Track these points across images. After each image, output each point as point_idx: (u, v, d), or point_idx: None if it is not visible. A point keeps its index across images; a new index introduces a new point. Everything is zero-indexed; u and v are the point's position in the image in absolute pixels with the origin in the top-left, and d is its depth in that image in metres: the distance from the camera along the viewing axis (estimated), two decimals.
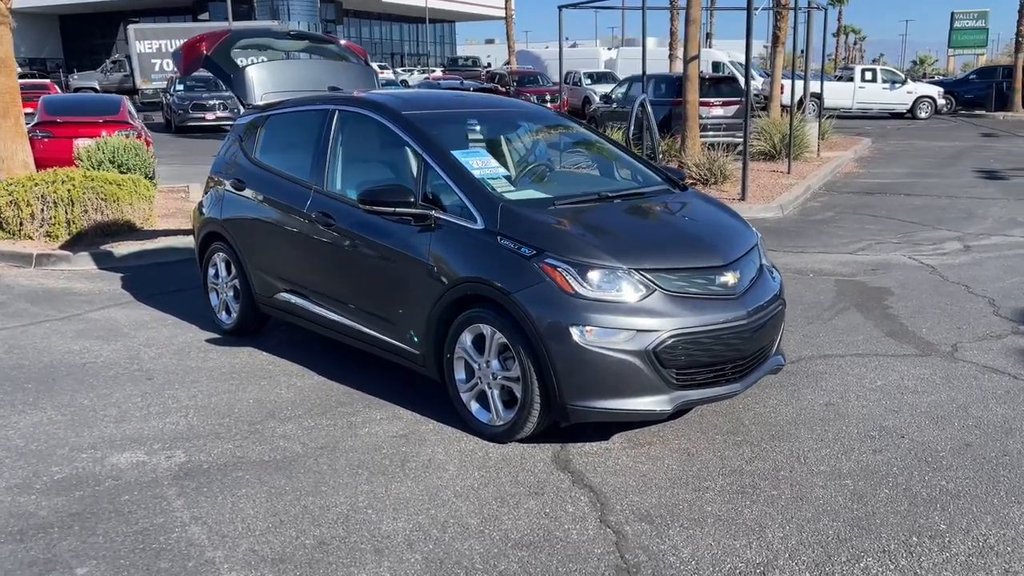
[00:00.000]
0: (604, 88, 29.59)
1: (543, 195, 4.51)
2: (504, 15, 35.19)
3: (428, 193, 4.49)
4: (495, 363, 4.12)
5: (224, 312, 6.06)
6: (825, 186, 13.59)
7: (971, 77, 33.61)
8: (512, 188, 4.51)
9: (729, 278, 4.13)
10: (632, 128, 12.50)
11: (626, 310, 3.84)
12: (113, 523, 3.47)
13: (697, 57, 13.84)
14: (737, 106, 17.73)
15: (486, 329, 4.11)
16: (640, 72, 28.63)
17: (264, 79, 6.10)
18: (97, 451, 4.15)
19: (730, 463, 3.93)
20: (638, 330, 3.81)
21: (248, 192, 5.65)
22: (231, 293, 5.95)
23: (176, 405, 4.73)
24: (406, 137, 4.71)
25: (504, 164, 4.96)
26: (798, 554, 3.16)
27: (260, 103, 6.05)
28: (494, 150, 5.03)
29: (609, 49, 39.75)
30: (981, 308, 6.46)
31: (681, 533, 3.31)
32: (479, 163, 4.54)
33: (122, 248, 8.54)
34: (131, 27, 36.43)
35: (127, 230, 9.19)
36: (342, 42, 7.08)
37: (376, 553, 3.22)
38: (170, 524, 3.45)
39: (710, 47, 45.29)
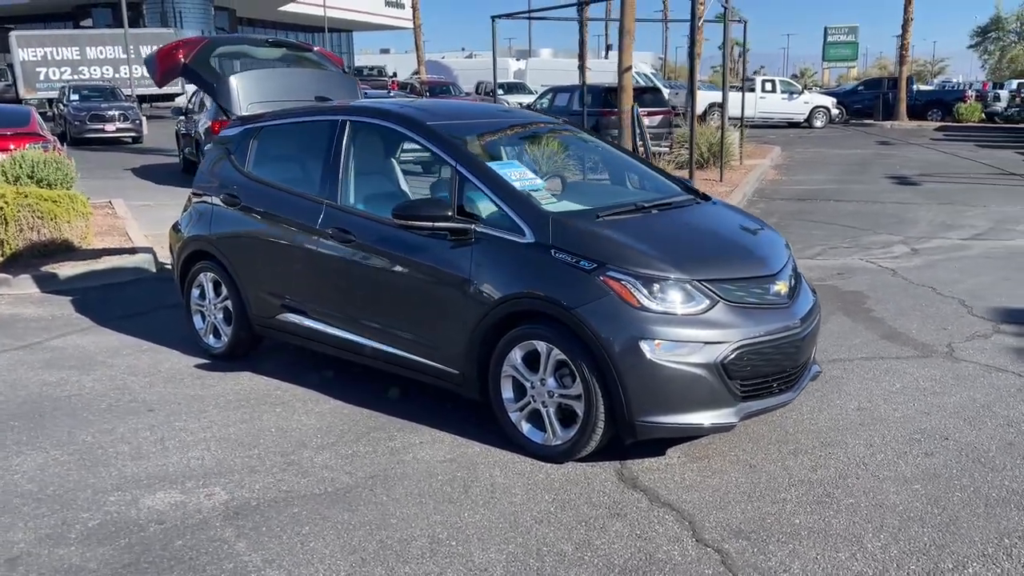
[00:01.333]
0: (518, 99, 29.81)
1: (583, 206, 4.42)
2: (412, 24, 34.86)
3: (462, 206, 4.34)
4: (551, 381, 4.00)
5: (212, 335, 5.71)
6: (757, 193, 13.98)
7: (859, 88, 35.37)
8: (553, 200, 4.39)
9: (781, 287, 4.14)
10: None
11: (693, 322, 3.79)
12: (177, 573, 3.17)
13: (631, 68, 14.01)
14: (662, 116, 18.11)
15: (541, 346, 3.99)
16: (550, 82, 28.78)
17: (249, 88, 5.80)
18: (124, 493, 3.81)
19: (795, 473, 3.92)
20: (705, 342, 3.77)
21: (243, 208, 5.34)
22: (220, 315, 5.62)
23: (192, 438, 4.41)
24: (436, 149, 4.55)
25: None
26: (905, 564, 3.16)
27: (245, 113, 5.75)
28: (519, 161, 4.90)
29: (517, 60, 40.00)
30: (955, 309, 6.71)
31: (782, 548, 3.27)
32: (517, 175, 4.41)
33: (66, 269, 7.97)
34: (13, 34, 34.49)
35: (65, 250, 8.61)
36: (315, 49, 6.81)
37: None
38: (242, 570, 3.19)
39: (606, 59, 46.22)
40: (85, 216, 9.09)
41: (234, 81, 5.76)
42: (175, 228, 6.01)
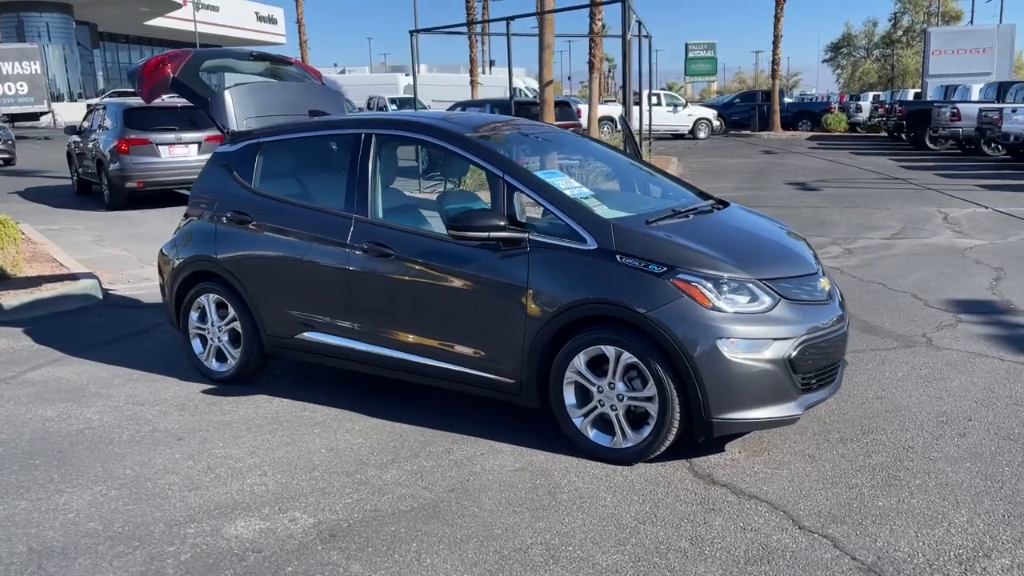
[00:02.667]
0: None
1: (630, 213, 4.52)
2: (285, 40, 34.23)
3: (512, 215, 4.37)
4: (621, 384, 4.08)
5: (215, 359, 5.50)
6: None
7: (736, 101, 37.12)
8: (603, 206, 4.48)
9: (824, 283, 4.37)
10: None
11: (762, 320, 3.96)
12: None
13: (552, 82, 14.28)
14: (572, 129, 18.48)
15: (609, 350, 4.07)
16: (441, 97, 28.95)
17: (244, 103, 5.63)
18: (200, 524, 3.64)
19: (852, 460, 4.14)
20: (774, 339, 3.94)
21: (254, 226, 5.18)
22: (226, 337, 5.42)
23: (241, 464, 4.25)
24: (480, 161, 4.56)
25: None
26: (995, 534, 3.41)
27: (241, 129, 5.57)
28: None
29: (406, 75, 39.82)
30: (912, 302, 7.20)
31: (881, 529, 3.46)
32: (564, 183, 4.48)
33: (8, 299, 7.46)
34: None
35: None
36: (293, 61, 6.66)
37: None
38: None
39: (490, 73, 46.69)
40: (16, 241, 8.56)
41: (229, 96, 5.58)
42: (165, 250, 5.75)
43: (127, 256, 10.17)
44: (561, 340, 4.19)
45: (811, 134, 33.44)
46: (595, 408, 4.17)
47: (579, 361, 4.15)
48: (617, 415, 4.11)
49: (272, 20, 70.64)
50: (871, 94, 40.62)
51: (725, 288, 3.96)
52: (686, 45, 42.37)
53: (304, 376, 5.61)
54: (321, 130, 5.27)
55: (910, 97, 33.76)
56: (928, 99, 29.64)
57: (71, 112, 39.82)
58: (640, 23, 14.94)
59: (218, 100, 5.56)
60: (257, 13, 69.14)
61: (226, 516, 3.71)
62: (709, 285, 3.94)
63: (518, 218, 4.41)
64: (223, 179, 5.43)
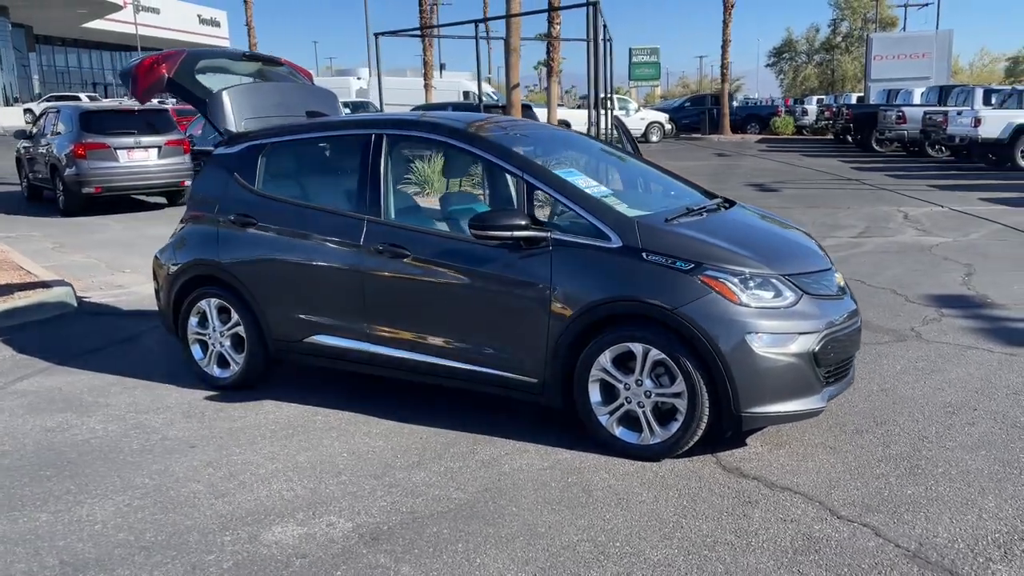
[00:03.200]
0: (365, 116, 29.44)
1: (647, 211, 4.55)
2: (230, 44, 33.70)
3: (531, 215, 4.38)
4: (648, 381, 4.11)
5: (217, 365, 5.39)
6: None
7: (686, 104, 37.65)
8: (623, 204, 4.50)
9: (838, 279, 4.47)
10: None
11: (786, 315, 4.03)
12: None
13: (518, 85, 14.32)
14: None
15: (636, 347, 4.09)
16: (394, 101, 29.12)
17: (242, 104, 5.54)
18: (236, 531, 3.57)
19: (872, 451, 4.23)
20: (799, 333, 4.01)
21: (259, 228, 5.09)
22: (228, 342, 5.32)
23: (263, 471, 4.17)
24: (498, 160, 4.56)
25: None
26: None
27: (240, 130, 5.48)
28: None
29: (359, 79, 39.55)
30: (893, 298, 7.39)
31: (916, 517, 3.54)
32: (583, 182, 4.51)
33: None
34: None
35: None
36: (283, 62, 6.57)
37: None
38: None
39: (441, 77, 46.58)
40: None
41: (227, 96, 5.48)
42: (161, 255, 5.63)
43: (94, 263, 9.91)
44: (586, 338, 4.20)
45: (760, 137, 34.09)
46: (621, 405, 4.19)
47: (605, 359, 4.17)
48: (644, 412, 4.14)
49: (215, 23, 69.50)
50: (815, 98, 41.55)
51: (751, 284, 4.02)
52: (630, 50, 42.77)
53: (308, 381, 5.54)
54: (328, 131, 5.21)
55: (853, 101, 34.61)
56: (871, 103, 30.42)
57: (7, 117, 38.66)
58: (606, 26, 15.06)
59: (216, 101, 5.45)
60: (200, 16, 68.01)
61: (260, 523, 3.64)
62: (736, 281, 4.00)
63: (540, 216, 4.41)
64: (223, 181, 5.33)
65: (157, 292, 5.75)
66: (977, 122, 19.46)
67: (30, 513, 3.78)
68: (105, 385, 5.55)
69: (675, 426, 4.09)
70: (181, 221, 5.62)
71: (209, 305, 5.34)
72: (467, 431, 4.58)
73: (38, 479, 4.14)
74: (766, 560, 3.24)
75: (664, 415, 4.14)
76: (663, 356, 4.04)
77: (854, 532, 3.43)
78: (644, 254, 4.10)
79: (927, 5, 63.55)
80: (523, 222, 4.25)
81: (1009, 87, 24.86)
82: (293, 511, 3.74)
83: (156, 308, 7.01)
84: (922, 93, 27.45)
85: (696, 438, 4.07)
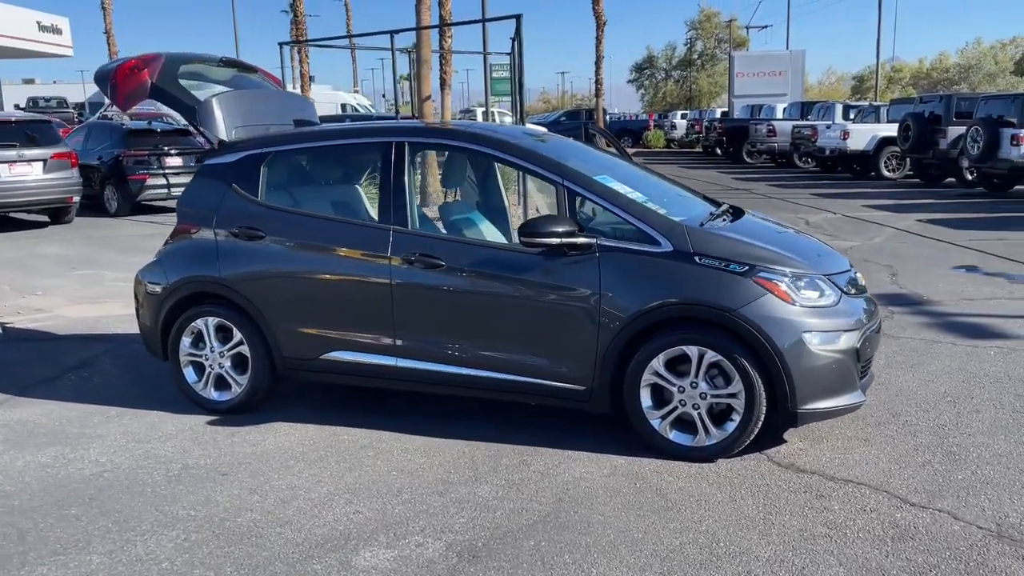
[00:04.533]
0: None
1: (682, 216, 4.62)
2: (72, 53, 31.85)
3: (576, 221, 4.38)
4: (703, 383, 4.18)
5: (215, 388, 5.08)
6: None
7: (562, 119, 38.35)
8: (664, 209, 4.54)
9: (861, 278, 4.69)
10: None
11: (832, 313, 4.19)
12: None
13: (430, 96, 14.22)
14: None
15: (692, 350, 4.15)
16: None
17: (232, 112, 5.25)
18: (323, 559, 3.38)
19: (904, 440, 4.46)
20: (844, 330, 4.18)
21: (268, 241, 4.85)
22: (229, 363, 5.02)
23: (316, 495, 3.97)
24: (535, 168, 4.53)
25: None
26: None
27: (230, 138, 5.20)
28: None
29: None
30: None
31: (981, 500, 3.74)
32: (623, 189, 4.54)
33: None
34: None
35: None
36: (257, 69, 6.27)
37: (799, 573, 3.19)
38: None
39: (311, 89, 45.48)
40: None
41: (216, 104, 5.19)
42: (145, 275, 5.26)
43: None
44: (637, 343, 4.23)
45: (634, 150, 35.20)
46: (675, 408, 4.23)
47: (658, 363, 4.21)
48: (700, 413, 4.20)
49: (57, 30, 65.22)
50: (679, 113, 43.35)
51: (799, 284, 4.16)
52: (490, 65, 43.28)
53: (311, 400, 5.31)
54: (340, 139, 5.01)
55: (717, 116, 36.32)
56: (737, 117, 32.01)
57: None
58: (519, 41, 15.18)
59: (205, 109, 5.16)
60: (39, 22, 63.63)
61: (344, 548, 3.46)
62: (788, 281, 4.13)
63: (583, 223, 4.41)
64: (219, 192, 5.04)
65: (138, 313, 5.36)
66: (846, 135, 20.85)
67: (78, 556, 3.44)
68: (83, 415, 5.12)
69: (731, 426, 4.17)
70: (171, 236, 5.26)
71: (206, 324, 5.03)
72: (507, 442, 4.51)
73: (65, 519, 3.77)
74: (869, 549, 3.35)
75: (717, 416, 4.22)
76: (719, 357, 4.11)
77: (934, 518, 3.60)
78: (697, 258, 4.17)
79: (767, 27, 67.66)
80: (572, 228, 4.24)
81: (867, 103, 26.77)
82: (372, 533, 3.57)
83: (92, 332, 6.64)
84: (784, 108, 29.11)
85: (752, 437, 4.17)
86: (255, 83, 6.02)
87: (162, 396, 5.39)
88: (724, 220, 4.77)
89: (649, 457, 4.27)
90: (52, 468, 4.34)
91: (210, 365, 5.06)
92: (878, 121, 21.95)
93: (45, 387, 5.70)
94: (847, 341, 4.17)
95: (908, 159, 20.07)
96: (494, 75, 42.15)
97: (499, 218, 5.71)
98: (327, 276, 4.73)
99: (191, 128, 5.27)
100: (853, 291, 4.46)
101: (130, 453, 4.51)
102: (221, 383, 5.07)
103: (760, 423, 4.14)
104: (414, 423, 4.81)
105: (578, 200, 4.43)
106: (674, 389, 4.22)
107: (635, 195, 4.51)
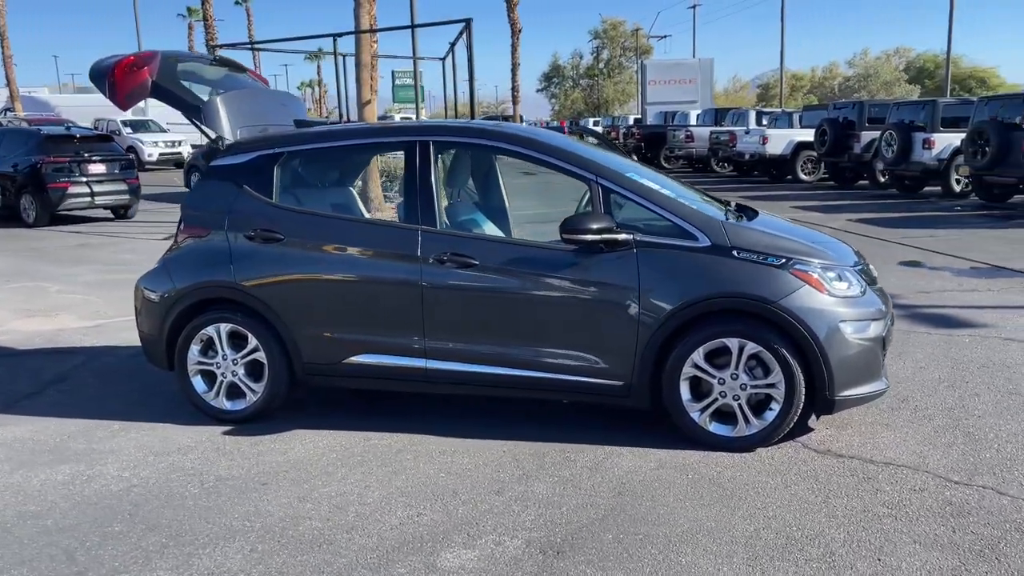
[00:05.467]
0: (153, 137, 27.58)
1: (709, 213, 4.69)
2: (2, 56, 30.33)
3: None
4: (743, 375, 4.27)
5: (227, 397, 4.90)
6: None
7: None
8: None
9: (873, 269, 4.88)
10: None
11: (860, 303, 4.35)
12: None
13: (371, 101, 14.05)
14: None
15: (732, 342, 4.24)
16: (180, 119, 27.34)
17: (236, 111, 5.10)
18: (405, 561, 3.31)
19: (922, 424, 4.65)
20: (871, 320, 4.35)
21: (288, 243, 4.71)
22: (243, 371, 4.86)
23: (372, 499, 3.88)
24: (570, 166, 4.55)
25: None
26: None
27: (235, 138, 5.05)
28: None
29: None
30: None
31: (1016, 475, 3.95)
32: (655, 185, 4.60)
33: None
34: None
35: None
36: (245, 68, 6.09)
37: (878, 551, 3.30)
38: None
39: None
40: None
41: (220, 103, 5.03)
42: (148, 282, 5.04)
43: None
44: (676, 337, 4.30)
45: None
46: (715, 400, 4.31)
47: (698, 356, 4.28)
48: (740, 404, 4.29)
49: None
50: (590, 119, 44.03)
51: (830, 275, 4.31)
52: (392, 72, 42.99)
53: (323, 407, 5.18)
54: (358, 139, 4.91)
55: (631, 122, 37.06)
56: (650, 124, 32.73)
57: None
58: (452, 45, 15.19)
59: (211, 108, 4.99)
60: None
61: (422, 551, 3.40)
62: (821, 272, 4.27)
63: (618, 219, 4.45)
64: (230, 194, 4.87)
65: (139, 321, 5.12)
66: (764, 140, 21.61)
67: (142, 574, 3.27)
68: (84, 430, 4.86)
69: (771, 415, 4.27)
70: (175, 241, 5.05)
71: (218, 331, 4.85)
72: (545, 440, 4.51)
73: (112, 536, 3.58)
74: (935, 526, 3.49)
75: (755, 407, 4.32)
76: (759, 349, 4.22)
77: (981, 495, 3.77)
78: (735, 252, 4.27)
79: (667, 37, 69.57)
80: (611, 225, 4.29)
81: (779, 110, 27.79)
82: (445, 535, 3.52)
83: (56, 346, 6.39)
84: (698, 115, 29.95)
85: (791, 425, 4.29)
86: (246, 82, 5.85)
87: (161, 408, 5.19)
88: (748, 216, 4.89)
89: (689, 449, 4.34)
90: (74, 485, 4.11)
91: (222, 374, 4.88)
92: (791, 127, 22.83)
93: (30, 403, 5.39)
94: (875, 329, 4.33)
95: (823, 163, 20.93)
96: (397, 82, 41.95)
97: (501, 218, 5.70)
98: (352, 278, 4.63)
99: (196, 125, 5.08)
100: (870, 283, 4.63)
101: (153, 467, 4.31)
102: (234, 392, 4.90)
103: (799, 411, 4.26)
104: (443, 425, 4.76)
105: (612, 197, 4.47)
106: (714, 381, 4.30)
107: (667, 191, 4.58)
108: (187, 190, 20.33)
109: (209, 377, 4.92)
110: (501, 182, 5.83)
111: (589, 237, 4.26)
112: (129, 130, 28.04)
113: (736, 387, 4.28)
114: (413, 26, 13.15)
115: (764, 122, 24.64)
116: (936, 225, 12.92)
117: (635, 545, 3.40)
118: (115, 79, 4.93)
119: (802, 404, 4.25)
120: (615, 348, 4.35)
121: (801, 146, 21.39)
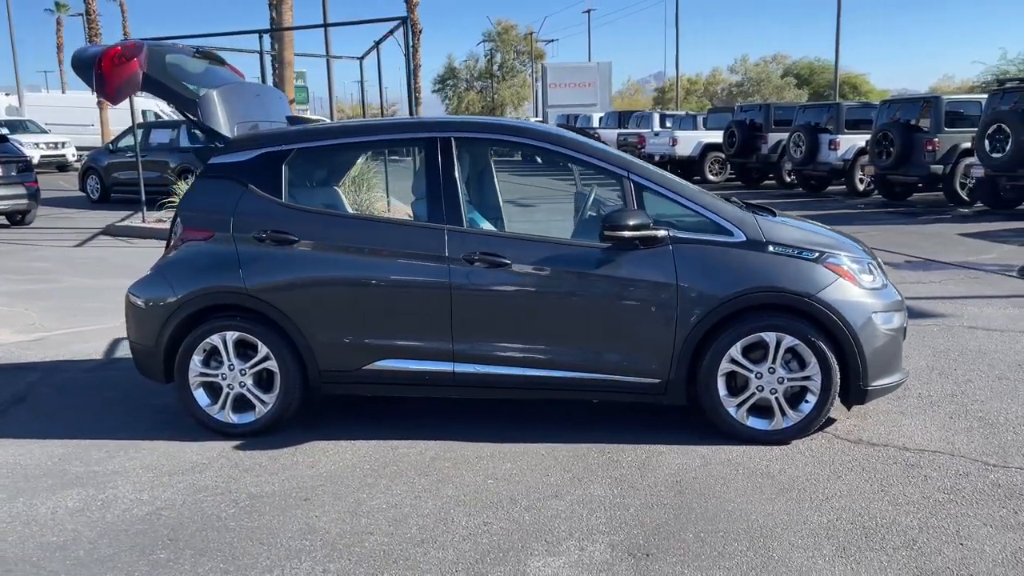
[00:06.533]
0: (34, 139, 26.06)
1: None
2: None
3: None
4: (780, 368, 4.31)
5: (233, 410, 4.61)
6: None
7: None
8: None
9: (880, 263, 5.01)
10: None
11: (883, 295, 4.46)
12: None
13: (293, 100, 13.61)
14: None
15: (769, 336, 4.27)
16: (60, 120, 26.25)
17: (232, 106, 4.81)
18: (493, 574, 3.17)
19: (934, 410, 4.81)
20: (895, 311, 4.47)
21: (303, 245, 4.47)
22: (251, 381, 4.58)
23: (428, 510, 3.71)
24: (601, 163, 4.49)
25: None
26: None
27: (232, 135, 4.77)
28: None
29: (7, 95, 34.33)
30: None
31: None
32: (684, 181, 4.59)
33: None
34: None
35: None
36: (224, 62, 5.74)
37: (954, 536, 3.37)
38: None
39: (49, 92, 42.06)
40: None
41: (216, 98, 4.73)
42: (141, 290, 4.69)
43: None
44: (714, 333, 4.30)
45: None
46: (752, 395, 4.33)
47: (736, 351, 4.30)
48: (777, 397, 4.33)
49: None
50: None
51: (857, 268, 4.40)
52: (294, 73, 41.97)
53: (333, 417, 4.94)
54: (372, 135, 4.71)
55: None
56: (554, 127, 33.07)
57: None
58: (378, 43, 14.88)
59: (208, 103, 4.69)
60: None
61: (505, 560, 3.27)
62: (852, 265, 4.36)
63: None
64: (234, 194, 4.59)
65: (131, 333, 4.76)
66: (674, 142, 22.15)
67: None
68: (75, 452, 4.48)
69: (807, 407, 4.32)
70: (172, 246, 4.71)
71: (224, 340, 4.55)
72: (579, 441, 4.44)
73: (161, 564, 3.29)
74: (997, 509, 3.60)
75: (790, 400, 4.36)
76: (796, 342, 4.26)
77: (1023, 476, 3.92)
78: (770, 247, 4.30)
79: (554, 41, 70.53)
80: (648, 221, 4.25)
81: (683, 112, 28.53)
82: (523, 543, 3.39)
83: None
84: (600, 118, 30.46)
85: (827, 416, 4.35)
86: (228, 76, 5.53)
87: (150, 423, 4.87)
88: (765, 211, 4.94)
89: (726, 444, 4.35)
90: (90, 512, 3.77)
91: (228, 385, 4.58)
92: (695, 129, 23.49)
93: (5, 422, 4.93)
94: (898, 320, 4.45)
95: (730, 163, 21.60)
96: (295, 83, 40.85)
97: (496, 218, 5.59)
98: (373, 280, 4.43)
99: (191, 120, 4.76)
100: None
101: (173, 488, 4.00)
102: (241, 404, 4.61)
103: (834, 402, 4.32)
104: (466, 430, 4.61)
105: (644, 193, 4.43)
106: (751, 375, 4.32)
107: (695, 187, 4.58)
108: (83, 194, 19.20)
109: (212, 389, 4.62)
110: (496, 182, 5.71)
111: (627, 234, 4.21)
112: (6, 130, 26.21)
113: (774, 381, 4.31)
114: (354, 23, 12.79)
115: (668, 124, 25.26)
116: (850, 222, 13.50)
117: (720, 543, 3.36)
118: (104, 71, 4.56)
119: (836, 395, 4.31)
120: (652, 345, 4.31)
121: (709, 147, 22.02)
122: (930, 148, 15.02)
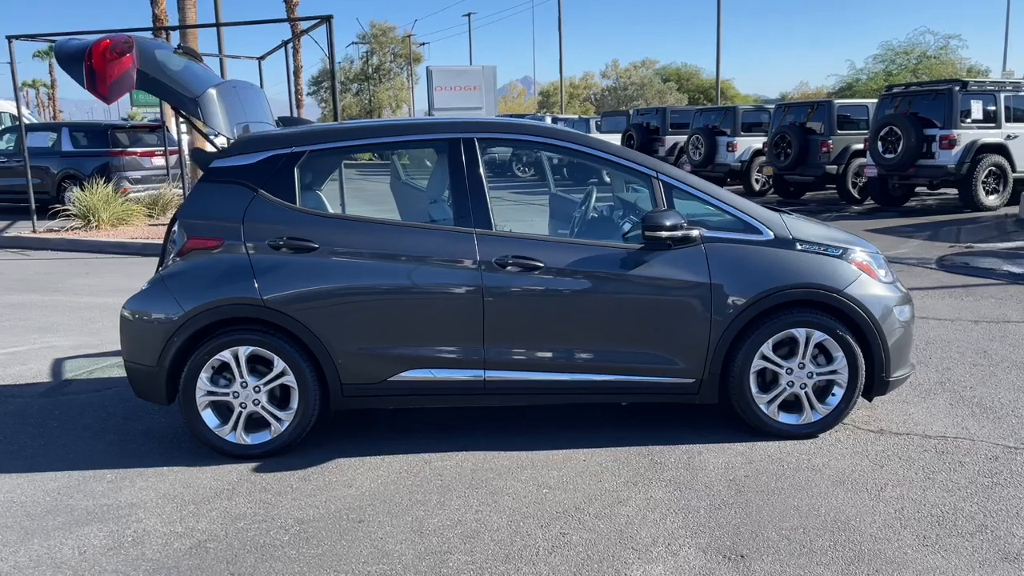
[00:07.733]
0: None
1: None
2: None
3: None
4: (810, 364, 4.39)
5: (245, 430, 4.31)
6: None
7: None
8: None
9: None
10: None
11: (897, 289, 4.62)
12: None
13: None
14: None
15: (799, 332, 4.35)
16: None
17: (231, 106, 4.53)
18: (606, 575, 3.09)
19: (933, 400, 5.01)
20: (907, 304, 4.64)
21: (324, 253, 4.23)
22: (266, 398, 4.30)
23: (496, 524, 3.57)
24: (629, 163, 4.44)
25: None
26: None
27: (233, 136, 4.48)
28: None
29: None
30: None
31: None
32: (708, 183, 4.61)
33: None
34: None
35: None
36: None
37: (1016, 515, 3.51)
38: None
39: None
40: None
41: (215, 97, 4.42)
42: (141, 305, 4.32)
43: None
44: (746, 331, 4.34)
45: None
46: (783, 391, 4.40)
47: (767, 348, 4.35)
48: (807, 392, 4.41)
49: None
50: None
51: (874, 264, 4.55)
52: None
53: (341, 433, 4.69)
54: (391, 136, 4.49)
55: None
56: None
57: None
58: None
59: (208, 101, 4.38)
60: None
61: (601, 570, 3.17)
62: (872, 260, 4.49)
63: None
64: (242, 200, 4.29)
65: (128, 351, 4.37)
66: None
67: None
68: (73, 484, 4.09)
69: (834, 401, 4.43)
70: (176, 256, 4.35)
71: (236, 355, 4.25)
72: (616, 445, 4.39)
73: None
74: None
75: (818, 394, 4.45)
76: (825, 337, 4.36)
77: None
78: (798, 244, 4.38)
79: (425, 44, 70.35)
80: (682, 221, 4.25)
81: (576, 116, 28.90)
82: (611, 552, 3.31)
83: None
84: None
85: (853, 408, 4.46)
86: (206, 74, 5.18)
87: (143, 450, 4.52)
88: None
89: (757, 440, 4.40)
90: (123, 548, 3.43)
91: (240, 404, 4.28)
92: (589, 132, 23.87)
93: None
94: (909, 312, 4.62)
95: None
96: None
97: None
98: (400, 287, 4.24)
99: (189, 120, 4.43)
100: None
101: (206, 518, 3.69)
102: (254, 423, 4.32)
103: (859, 395, 4.44)
104: (494, 439, 4.49)
105: (674, 193, 4.42)
106: (781, 372, 4.38)
107: (719, 187, 4.61)
108: None
109: (221, 409, 4.31)
110: (486, 187, 5.58)
111: (665, 234, 4.19)
112: None
113: (804, 376, 4.39)
114: (273, 21, 12.24)
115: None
116: None
117: (805, 540, 3.38)
118: (95, 67, 4.18)
119: (862, 388, 4.43)
120: (687, 345, 4.31)
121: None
122: (824, 150, 15.80)
